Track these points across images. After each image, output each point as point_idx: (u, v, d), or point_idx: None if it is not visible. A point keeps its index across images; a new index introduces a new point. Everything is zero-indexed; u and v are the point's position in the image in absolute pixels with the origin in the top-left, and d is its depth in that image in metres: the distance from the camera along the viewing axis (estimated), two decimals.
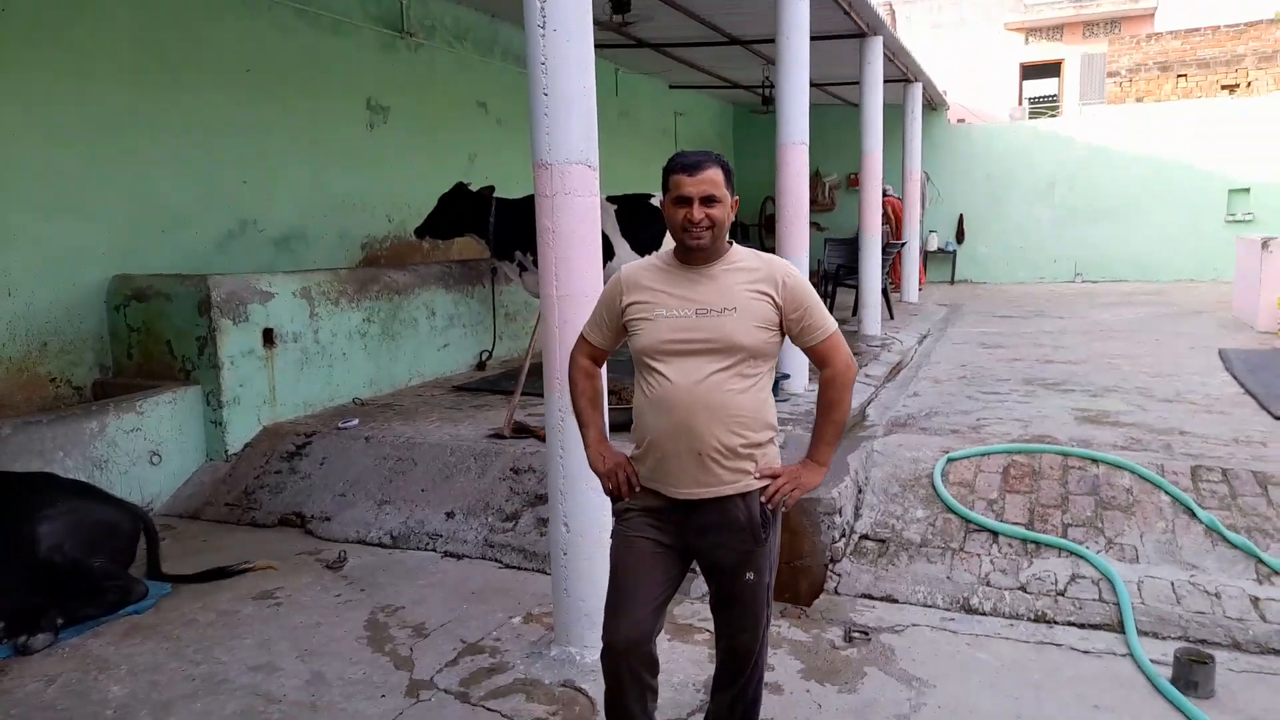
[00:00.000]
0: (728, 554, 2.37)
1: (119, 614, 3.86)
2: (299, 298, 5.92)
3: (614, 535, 2.49)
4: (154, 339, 5.57)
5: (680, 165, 2.31)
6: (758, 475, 2.36)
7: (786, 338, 2.43)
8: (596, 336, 2.54)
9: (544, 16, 3.12)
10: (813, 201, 16.18)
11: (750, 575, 2.38)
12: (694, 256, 2.35)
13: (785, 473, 2.39)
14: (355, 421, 5.67)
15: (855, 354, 8.37)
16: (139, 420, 5.16)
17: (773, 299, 2.34)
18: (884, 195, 13.28)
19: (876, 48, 9.12)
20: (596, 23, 8.29)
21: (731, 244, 2.45)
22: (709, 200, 2.28)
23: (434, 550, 4.58)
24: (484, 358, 7.60)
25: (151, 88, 5.89)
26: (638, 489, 2.42)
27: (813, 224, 16.13)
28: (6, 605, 3.65)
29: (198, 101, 6.21)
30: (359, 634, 3.70)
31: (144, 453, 5.20)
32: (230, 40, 6.44)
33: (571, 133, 3.18)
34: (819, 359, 2.43)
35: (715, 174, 2.29)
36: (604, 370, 3.17)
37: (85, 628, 3.74)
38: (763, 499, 2.35)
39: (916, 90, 12.31)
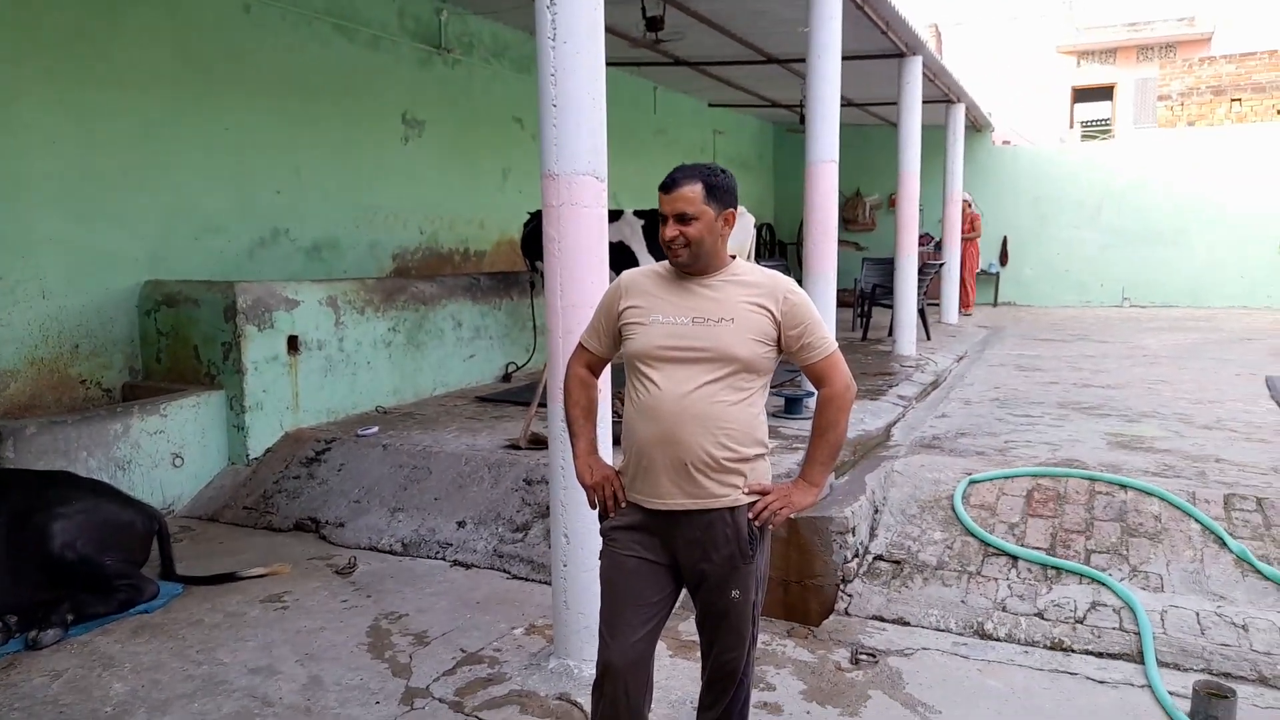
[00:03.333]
0: (713, 569, 2.31)
1: (129, 612, 3.90)
2: (325, 306, 5.99)
3: (602, 555, 2.45)
4: (182, 343, 5.67)
5: (662, 184, 2.29)
6: (746, 491, 2.30)
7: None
8: (594, 343, 2.51)
9: (554, 29, 3.12)
10: (853, 221, 16.25)
11: (736, 593, 2.32)
12: (683, 270, 2.32)
13: (775, 490, 2.33)
14: (375, 429, 5.70)
15: (887, 374, 8.28)
16: (162, 423, 5.24)
17: (771, 314, 2.29)
18: (966, 207, 13.31)
19: (915, 68, 9.03)
20: (631, 40, 8.36)
21: (734, 258, 2.41)
22: (682, 218, 2.25)
23: (443, 559, 4.57)
24: (510, 369, 7.62)
25: (188, 97, 6.02)
26: (624, 504, 2.38)
27: (853, 244, 16.08)
28: (20, 599, 3.71)
29: (234, 112, 6.34)
30: (361, 640, 3.69)
31: (167, 455, 5.28)
32: (268, 53, 6.57)
33: (580, 144, 3.17)
34: (817, 378, 2.37)
35: (690, 190, 2.26)
36: (607, 380, 3.16)
37: (95, 625, 3.78)
38: (750, 515, 2.30)
39: (959, 111, 12.16)
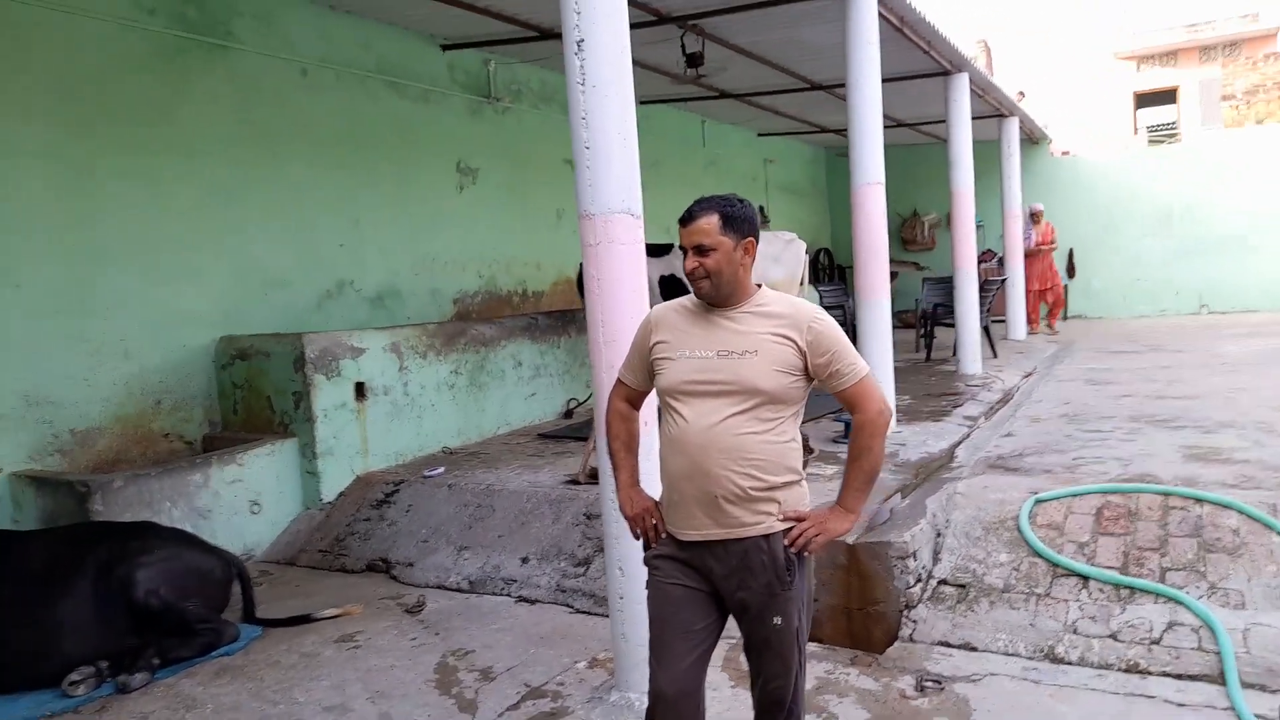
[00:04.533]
0: (752, 597, 2.34)
1: (211, 655, 4.05)
2: (388, 352, 6.18)
3: (648, 584, 2.49)
4: (256, 395, 5.90)
5: (680, 217, 2.37)
6: (781, 518, 2.32)
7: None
8: (630, 377, 2.58)
9: (583, 74, 3.24)
10: (912, 241, 16.10)
11: (778, 620, 2.33)
12: (708, 301, 2.38)
13: (810, 517, 2.35)
14: (441, 470, 5.84)
15: (952, 394, 8.16)
16: (240, 472, 5.46)
17: (795, 344, 2.32)
18: (1034, 217, 12.81)
19: (962, 85, 8.97)
20: (673, 76, 8.50)
21: (759, 287, 2.45)
22: (700, 250, 2.31)
23: (509, 595, 4.65)
24: (571, 405, 7.72)
25: (252, 160, 6.32)
26: (663, 535, 2.43)
27: (913, 264, 15.90)
28: (109, 645, 3.88)
29: (295, 171, 6.62)
30: (429, 677, 3.78)
31: (245, 502, 5.49)
32: (325, 113, 6.86)
33: (613, 183, 3.26)
34: (849, 404, 2.39)
35: (707, 222, 2.32)
36: (652, 411, 3.21)
37: (180, 668, 3.94)
38: (785, 542, 2.32)
39: (1012, 125, 12.01)
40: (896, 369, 9.73)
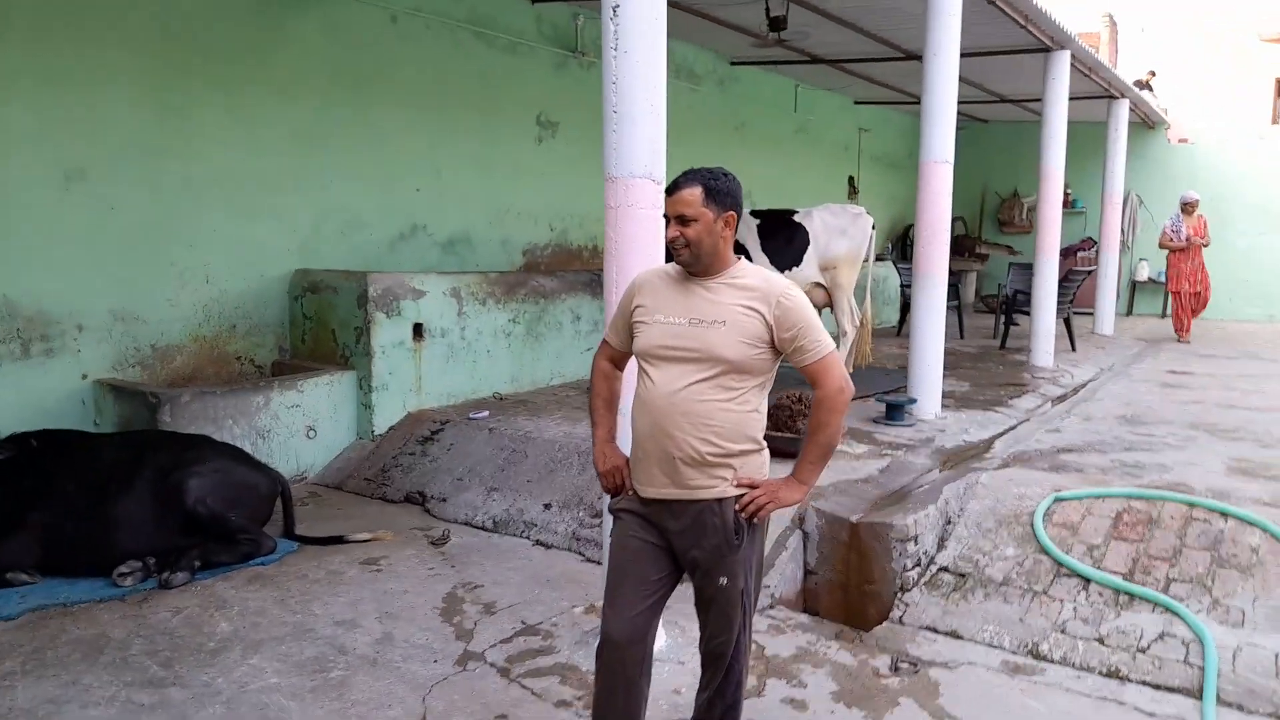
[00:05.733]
0: (703, 556, 2.47)
1: (249, 564, 4.42)
2: (448, 296, 6.45)
3: (611, 534, 2.65)
4: (323, 327, 6.26)
5: (666, 188, 2.45)
6: (735, 484, 2.43)
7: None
8: (614, 338, 2.71)
9: (616, 40, 3.34)
10: (1009, 223, 15.60)
11: (724, 580, 2.46)
12: (687, 269, 2.48)
13: (763, 485, 2.46)
14: (485, 413, 6.10)
15: (1015, 385, 8.03)
16: (299, 398, 5.83)
17: (763, 317, 2.41)
18: (1185, 208, 11.37)
19: (1062, 62, 8.62)
20: (757, 37, 8.41)
21: (739, 259, 2.54)
22: (682, 220, 2.41)
23: (527, 538, 4.88)
24: None
25: (341, 104, 6.62)
26: (629, 491, 2.57)
27: (1006, 247, 15.41)
28: (159, 544, 4.28)
29: (380, 116, 6.90)
30: (436, 604, 4.05)
31: (302, 427, 5.87)
32: (412, 61, 7.11)
33: (637, 149, 3.37)
34: (811, 380, 2.48)
35: (690, 193, 2.41)
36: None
37: (219, 571, 4.32)
38: (737, 507, 2.43)
39: (1122, 107, 11.44)
40: (967, 354, 9.63)
